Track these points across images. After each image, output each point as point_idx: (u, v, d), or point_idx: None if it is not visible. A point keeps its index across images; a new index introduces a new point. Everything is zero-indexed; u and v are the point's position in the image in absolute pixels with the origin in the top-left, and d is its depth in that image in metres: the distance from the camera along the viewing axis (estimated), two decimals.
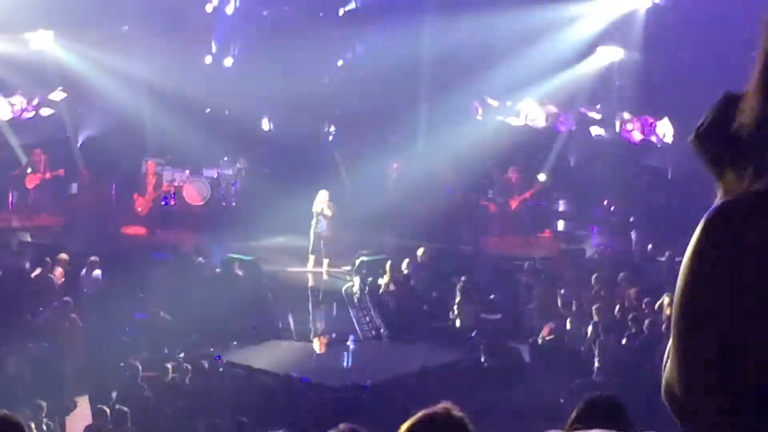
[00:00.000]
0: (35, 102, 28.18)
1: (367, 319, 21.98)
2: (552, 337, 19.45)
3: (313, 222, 23.66)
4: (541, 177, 27.55)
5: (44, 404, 15.44)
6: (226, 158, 28.42)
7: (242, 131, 28.39)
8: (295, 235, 24.69)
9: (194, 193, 27.34)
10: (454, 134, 28.57)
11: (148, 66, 27.19)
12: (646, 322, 18.69)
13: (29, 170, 26.51)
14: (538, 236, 26.27)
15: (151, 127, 28.15)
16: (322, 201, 23.67)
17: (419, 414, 4.08)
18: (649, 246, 23.65)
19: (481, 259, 23.48)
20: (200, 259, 22.07)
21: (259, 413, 15.84)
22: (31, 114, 28.16)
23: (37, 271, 20.55)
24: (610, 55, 27.58)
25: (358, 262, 23.70)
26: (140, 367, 17.29)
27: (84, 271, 20.97)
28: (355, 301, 22.74)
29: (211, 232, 25.41)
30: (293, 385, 17.58)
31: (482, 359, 19.45)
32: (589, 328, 19.15)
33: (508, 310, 21.19)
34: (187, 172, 27.61)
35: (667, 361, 1.84)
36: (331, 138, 30.33)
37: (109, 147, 26.45)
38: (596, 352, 18.42)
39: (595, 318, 19.23)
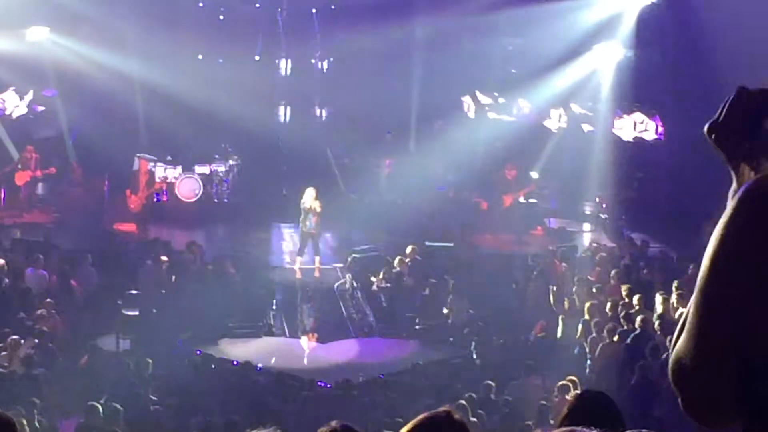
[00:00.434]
0: (28, 98, 28.16)
1: (359, 316, 22.00)
2: (544, 334, 19.48)
3: (301, 219, 23.60)
4: (534, 174, 27.59)
5: (37, 401, 15.42)
6: (217, 155, 28.42)
7: (234, 128, 28.36)
8: (287, 231, 24.70)
9: (186, 190, 27.33)
10: (446, 131, 28.61)
11: (142, 62, 27.18)
12: (638, 319, 18.71)
13: (19, 167, 26.49)
14: (530, 233, 26.29)
15: (145, 124, 28.15)
16: (309, 198, 23.56)
17: (420, 417, 4.08)
18: (640, 242, 23.68)
19: (473, 257, 23.49)
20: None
21: (251, 410, 15.84)
22: (24, 111, 28.14)
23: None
24: (603, 52, 27.61)
25: (349, 259, 23.71)
26: (132, 365, 17.28)
27: (77, 267, 20.98)
28: (347, 298, 22.74)
29: (204, 228, 25.40)
30: (285, 382, 17.58)
31: (474, 356, 19.48)
32: (581, 326, 19.16)
33: (500, 308, 21.20)
34: (180, 168, 27.60)
35: (677, 338, 1.84)
36: (323, 135, 30.33)
37: (101, 143, 26.41)
38: (588, 350, 18.43)
39: (587, 315, 19.24)
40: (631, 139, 27.81)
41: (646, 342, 17.65)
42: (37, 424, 15.04)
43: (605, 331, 18.45)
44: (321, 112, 31.40)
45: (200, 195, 27.33)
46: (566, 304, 20.44)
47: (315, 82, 30.87)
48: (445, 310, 21.14)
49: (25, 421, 14.56)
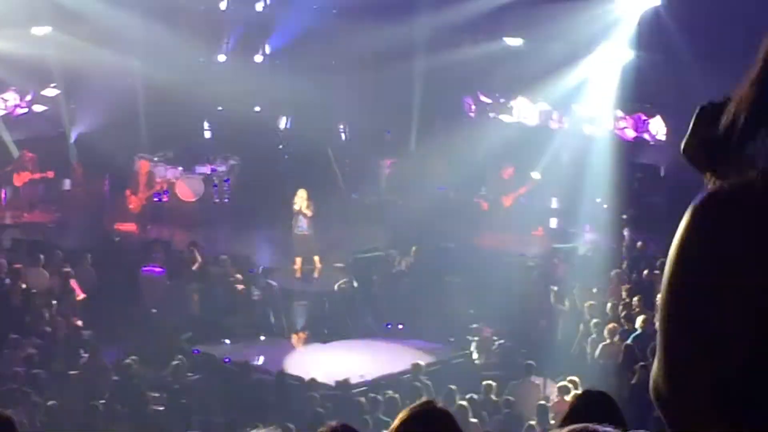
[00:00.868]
0: (28, 98, 28.18)
1: (359, 316, 21.99)
2: (544, 334, 19.49)
3: (292, 221, 23.55)
4: (535, 175, 27.56)
5: (39, 401, 15.45)
6: (219, 155, 28.43)
7: (236, 128, 28.38)
8: (288, 232, 24.68)
9: (187, 190, 27.32)
10: (447, 132, 28.60)
11: (144, 61, 27.19)
12: (639, 319, 18.72)
13: (17, 169, 26.44)
14: (530, 234, 26.27)
15: (146, 124, 28.15)
16: (300, 200, 23.53)
17: (405, 411, 4.10)
18: (639, 243, 23.68)
19: (474, 257, 23.47)
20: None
21: (251, 410, 15.85)
22: (24, 110, 28.16)
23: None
24: (605, 53, 27.58)
25: (350, 259, 23.71)
26: (132, 364, 17.29)
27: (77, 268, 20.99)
28: (347, 298, 22.72)
29: (204, 228, 25.40)
30: (285, 382, 17.59)
31: (474, 356, 19.48)
32: (581, 326, 19.17)
33: (500, 308, 21.18)
34: (180, 169, 27.59)
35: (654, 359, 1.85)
36: (324, 135, 30.32)
37: (102, 143, 26.42)
38: (588, 350, 18.44)
39: (587, 316, 19.25)
40: (632, 140, 27.80)
41: (646, 343, 17.65)
42: (38, 424, 15.07)
43: (605, 332, 18.47)
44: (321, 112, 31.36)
45: (201, 195, 27.33)
46: (566, 305, 20.44)
47: (315, 81, 30.84)
48: (446, 311, 21.14)
49: (27, 422, 14.60)
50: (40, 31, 27.01)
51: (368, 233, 25.26)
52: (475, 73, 28.36)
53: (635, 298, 19.66)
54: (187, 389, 16.98)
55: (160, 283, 20.87)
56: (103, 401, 15.77)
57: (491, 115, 29.54)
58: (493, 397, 16.54)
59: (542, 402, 16.19)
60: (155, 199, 27.18)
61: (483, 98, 29.61)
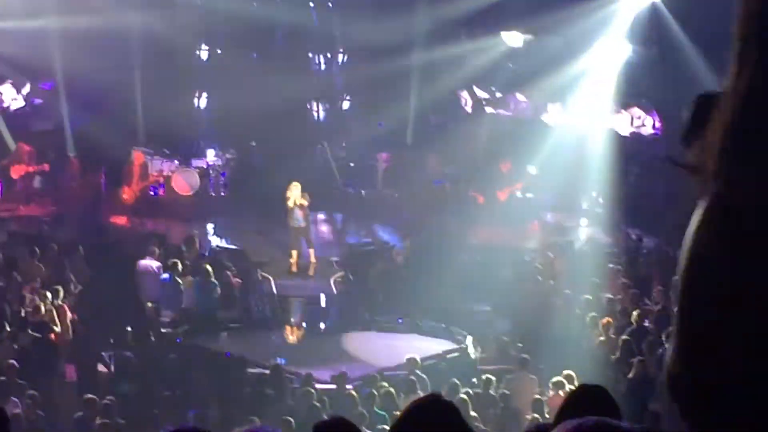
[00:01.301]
0: (24, 91, 28.14)
1: (355, 309, 21.98)
2: (540, 329, 19.48)
3: (288, 215, 23.44)
4: (532, 169, 27.57)
5: (35, 393, 15.45)
6: (215, 148, 28.42)
7: (232, 121, 28.37)
8: (284, 225, 24.67)
9: (183, 183, 27.30)
10: (443, 125, 28.62)
11: (141, 54, 27.19)
12: (635, 314, 18.74)
13: (13, 161, 26.42)
14: (526, 228, 26.27)
15: (143, 117, 28.14)
16: (295, 193, 23.42)
17: (409, 404, 4.11)
18: (635, 236, 23.70)
19: (470, 251, 23.48)
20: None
21: (247, 403, 15.86)
22: (21, 104, 28.13)
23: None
24: (601, 48, 27.59)
25: (346, 253, 23.69)
26: (130, 358, 17.29)
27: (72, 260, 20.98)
28: (343, 291, 22.73)
29: (200, 222, 25.39)
30: (281, 375, 17.59)
31: (470, 351, 19.48)
32: (577, 321, 19.19)
33: (496, 302, 21.20)
34: (176, 162, 27.58)
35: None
36: (320, 129, 30.32)
37: (99, 136, 26.40)
38: (584, 345, 18.45)
39: (584, 310, 19.26)
40: (628, 134, 27.82)
41: (642, 337, 17.69)
42: (34, 417, 15.07)
43: (601, 326, 18.48)
44: (318, 106, 31.38)
45: (197, 189, 27.31)
46: (562, 299, 20.45)
47: (312, 75, 30.84)
48: (441, 304, 21.14)
49: (23, 414, 14.60)
50: (37, 23, 26.95)
51: (364, 226, 25.26)
52: (471, 68, 28.37)
53: (631, 293, 19.69)
54: (182, 384, 16.98)
55: (155, 277, 20.84)
56: (99, 394, 15.76)
57: (487, 109, 29.55)
58: (491, 392, 16.55)
59: (538, 396, 16.20)
60: (152, 193, 27.17)
61: (479, 92, 29.61)
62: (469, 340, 19.67)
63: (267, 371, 17.47)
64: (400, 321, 21.37)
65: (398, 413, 4.33)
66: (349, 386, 17.03)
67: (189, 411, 15.94)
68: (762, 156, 1.74)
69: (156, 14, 27.14)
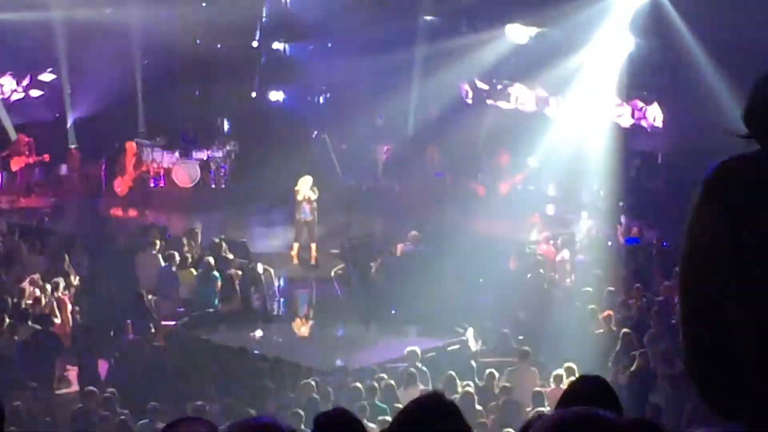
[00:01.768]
0: (25, 83, 28.13)
1: (355, 302, 21.98)
2: (540, 321, 19.48)
3: (295, 208, 23.38)
4: (532, 162, 27.54)
5: (35, 385, 15.45)
6: (216, 140, 28.40)
7: (232, 113, 28.35)
8: (285, 217, 24.67)
9: (184, 176, 27.29)
10: (444, 118, 28.58)
11: (143, 45, 27.17)
12: (636, 306, 18.73)
13: (13, 153, 26.40)
14: (527, 220, 26.25)
15: (143, 109, 28.12)
16: (305, 187, 23.30)
17: (410, 402, 4.08)
18: (635, 229, 23.68)
19: (470, 243, 23.45)
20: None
21: (247, 395, 15.85)
22: (22, 95, 28.12)
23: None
24: (603, 40, 27.53)
25: (347, 245, 23.67)
26: (128, 350, 17.28)
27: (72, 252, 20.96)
28: (344, 284, 22.73)
29: (201, 214, 25.38)
30: (282, 368, 17.58)
31: (470, 343, 19.46)
32: (578, 313, 19.17)
33: (497, 294, 21.17)
34: (177, 154, 27.56)
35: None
36: (321, 121, 30.28)
37: (100, 128, 26.38)
38: (585, 337, 18.43)
39: (584, 302, 19.25)
40: (629, 127, 27.76)
41: (643, 329, 17.67)
42: (34, 409, 15.06)
43: (602, 319, 18.47)
44: (319, 98, 31.36)
45: (197, 181, 27.30)
46: (563, 292, 20.43)
47: (314, 67, 30.78)
48: (442, 297, 21.12)
49: (22, 406, 14.59)
50: (38, 15, 26.92)
51: (365, 219, 25.25)
52: (473, 60, 28.32)
53: (633, 285, 19.67)
54: (181, 375, 16.98)
55: (156, 269, 20.83)
56: (98, 386, 15.76)
57: (488, 101, 29.50)
58: (495, 389, 16.53)
59: (538, 389, 16.18)
60: (152, 185, 27.15)
61: (480, 84, 29.56)
62: (470, 332, 19.64)
63: (267, 363, 17.47)
64: (393, 311, 21.37)
65: (399, 405, 4.31)
66: (349, 378, 17.02)
67: (188, 403, 15.92)
68: None
69: (158, 6, 27.10)
